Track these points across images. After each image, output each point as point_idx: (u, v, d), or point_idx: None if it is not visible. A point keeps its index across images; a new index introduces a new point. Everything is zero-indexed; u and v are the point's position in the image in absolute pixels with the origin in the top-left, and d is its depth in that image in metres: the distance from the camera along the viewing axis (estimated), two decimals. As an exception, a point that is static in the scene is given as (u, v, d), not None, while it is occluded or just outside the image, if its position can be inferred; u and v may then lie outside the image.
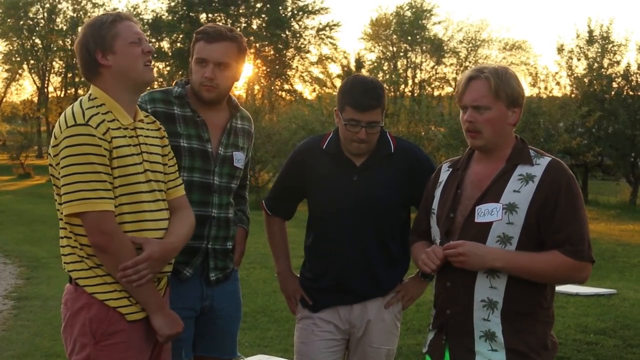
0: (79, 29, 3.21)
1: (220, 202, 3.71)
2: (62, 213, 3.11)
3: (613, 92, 26.57)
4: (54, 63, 52.57)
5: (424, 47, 53.85)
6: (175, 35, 45.02)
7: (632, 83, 26.78)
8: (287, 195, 4.04)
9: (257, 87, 40.82)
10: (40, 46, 51.66)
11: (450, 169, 3.36)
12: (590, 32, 28.31)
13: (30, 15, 50.81)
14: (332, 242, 3.80)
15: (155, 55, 3.47)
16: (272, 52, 49.54)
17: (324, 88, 49.21)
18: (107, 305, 3.09)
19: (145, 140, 3.24)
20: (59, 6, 51.02)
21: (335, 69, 53.75)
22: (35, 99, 53.35)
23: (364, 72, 45.37)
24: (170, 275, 3.51)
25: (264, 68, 48.72)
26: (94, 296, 3.09)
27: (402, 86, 48.30)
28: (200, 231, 3.63)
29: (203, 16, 47.15)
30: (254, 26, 48.78)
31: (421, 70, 54.41)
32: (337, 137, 3.82)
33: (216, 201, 3.70)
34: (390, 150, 3.81)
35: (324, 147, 3.84)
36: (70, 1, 50.78)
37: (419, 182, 3.63)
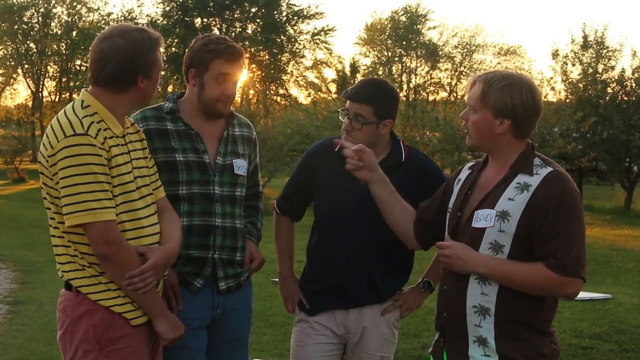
0: (95, 35, 3.19)
1: (223, 211, 3.69)
2: (57, 221, 3.10)
3: (608, 97, 26.58)
4: (48, 67, 52.51)
5: (418, 52, 53.94)
6: (170, 39, 44.97)
7: (627, 88, 26.82)
8: (297, 196, 4.06)
9: (252, 91, 40.84)
10: (35, 50, 51.59)
11: (470, 170, 3.35)
12: (585, 37, 28.36)
13: (25, 19, 50.72)
14: (333, 243, 3.81)
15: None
16: (267, 56, 49.53)
17: (319, 93, 49.25)
18: (112, 311, 3.10)
19: (132, 147, 3.25)
20: (54, 10, 50.98)
21: (330, 74, 53.79)
22: (30, 104, 53.27)
23: (358, 76, 45.39)
24: (181, 286, 3.56)
25: (259, 73, 48.73)
26: (99, 303, 3.10)
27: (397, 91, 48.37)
28: (205, 241, 3.64)
29: (198, 21, 47.14)
30: (249, 31, 48.79)
31: (416, 75, 54.49)
32: None
33: (219, 210, 3.67)
34: (401, 159, 3.83)
35: (336, 150, 3.85)
36: (65, 5, 50.74)
37: (427, 193, 3.65)
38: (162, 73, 3.34)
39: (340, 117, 3.82)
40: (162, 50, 3.27)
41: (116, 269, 3.05)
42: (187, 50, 3.73)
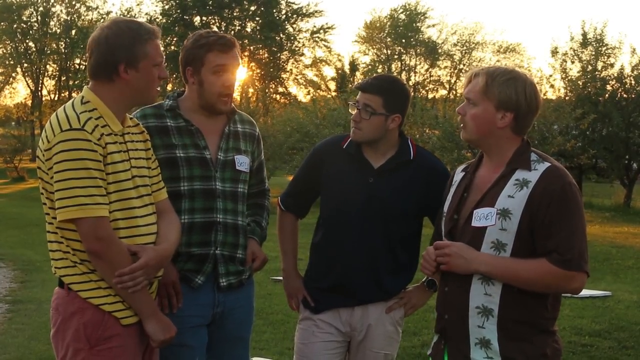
0: (96, 27, 3.17)
1: (225, 207, 3.67)
2: (51, 217, 3.09)
3: (607, 95, 26.53)
4: (47, 66, 52.45)
5: (418, 50, 53.92)
6: (169, 38, 44.96)
7: (626, 85, 26.74)
8: (302, 193, 4.05)
9: (251, 90, 40.81)
10: (34, 49, 51.57)
11: (464, 172, 3.34)
12: (584, 34, 28.29)
13: (24, 18, 50.71)
14: (339, 241, 3.80)
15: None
16: (266, 55, 49.53)
17: (319, 91, 49.25)
18: (102, 309, 3.08)
19: (132, 146, 3.23)
20: (53, 9, 50.95)
21: (329, 72, 53.84)
22: (29, 102, 53.23)
23: (358, 74, 45.36)
24: (182, 283, 3.54)
25: (258, 71, 48.72)
26: (89, 301, 3.08)
27: (397, 89, 48.28)
28: (207, 237, 3.62)
29: (197, 19, 47.12)
30: (248, 29, 48.78)
31: (415, 73, 54.46)
32: None
33: (221, 206, 3.66)
34: (410, 157, 3.83)
35: (344, 147, 3.85)
36: (63, 4, 50.72)
37: (434, 192, 3.64)
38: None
39: (350, 110, 3.84)
40: (159, 45, 3.22)
41: (106, 266, 3.03)
42: (180, 51, 3.73)
